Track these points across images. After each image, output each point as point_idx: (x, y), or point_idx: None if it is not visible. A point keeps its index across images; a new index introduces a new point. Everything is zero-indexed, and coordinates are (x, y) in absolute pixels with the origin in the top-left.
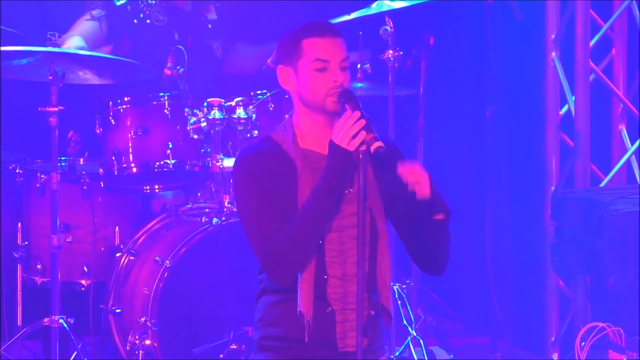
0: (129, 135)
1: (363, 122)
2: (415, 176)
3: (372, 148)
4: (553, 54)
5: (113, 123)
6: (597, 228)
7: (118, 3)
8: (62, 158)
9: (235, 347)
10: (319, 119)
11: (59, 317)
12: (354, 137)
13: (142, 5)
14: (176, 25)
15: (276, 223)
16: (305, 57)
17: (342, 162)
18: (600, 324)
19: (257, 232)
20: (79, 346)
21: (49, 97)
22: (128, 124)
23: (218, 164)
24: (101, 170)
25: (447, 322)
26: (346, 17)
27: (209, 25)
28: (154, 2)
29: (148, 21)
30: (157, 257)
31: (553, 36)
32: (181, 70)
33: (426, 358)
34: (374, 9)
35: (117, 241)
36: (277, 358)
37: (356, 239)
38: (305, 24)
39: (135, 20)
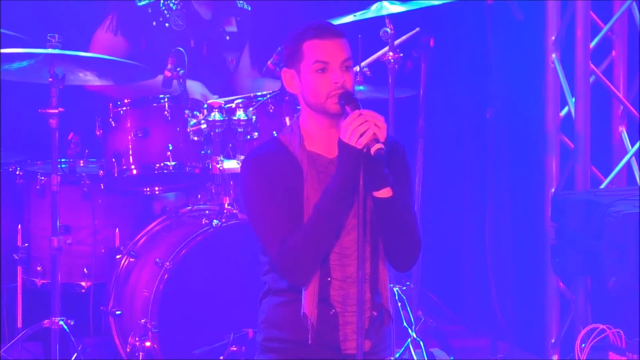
0: (129, 137)
1: (370, 120)
2: (375, 119)
3: (373, 150)
4: (553, 55)
5: (113, 125)
6: (597, 230)
7: (140, 3)
8: (62, 160)
9: (235, 348)
10: (323, 121)
11: (59, 318)
12: (361, 135)
13: (164, 8)
14: (193, 33)
15: (290, 224)
16: (306, 59)
17: (352, 160)
18: (601, 326)
19: (272, 235)
20: (79, 348)
21: (49, 99)
22: (128, 125)
23: (218, 166)
24: (101, 172)
25: (447, 324)
26: (347, 19)
27: (227, 37)
28: (175, 7)
29: (167, 24)
30: (157, 259)
31: (553, 37)
32: (181, 72)
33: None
34: (374, 10)
35: (117, 243)
36: (281, 359)
37: (356, 242)
38: (306, 26)
39: (154, 23)
